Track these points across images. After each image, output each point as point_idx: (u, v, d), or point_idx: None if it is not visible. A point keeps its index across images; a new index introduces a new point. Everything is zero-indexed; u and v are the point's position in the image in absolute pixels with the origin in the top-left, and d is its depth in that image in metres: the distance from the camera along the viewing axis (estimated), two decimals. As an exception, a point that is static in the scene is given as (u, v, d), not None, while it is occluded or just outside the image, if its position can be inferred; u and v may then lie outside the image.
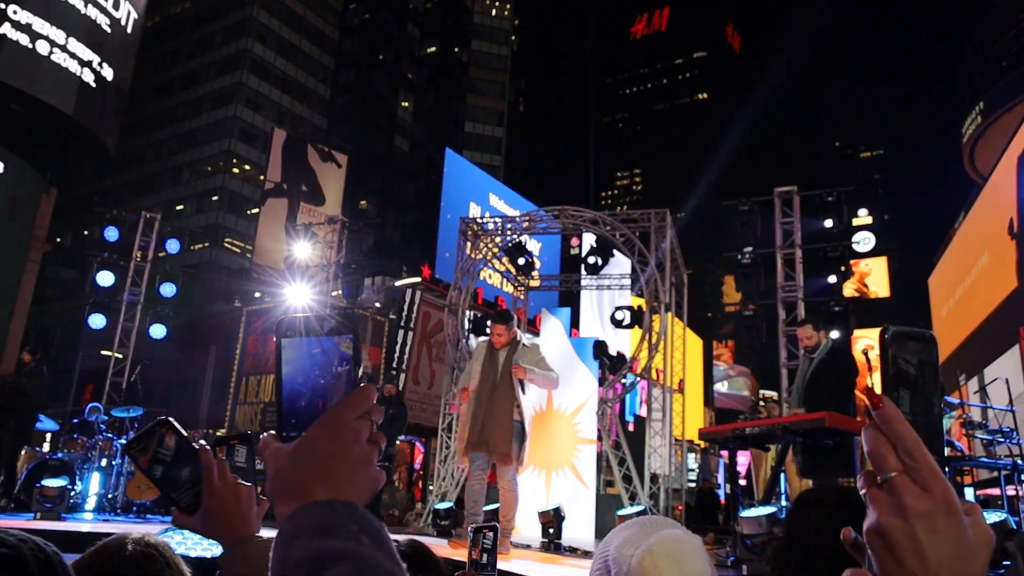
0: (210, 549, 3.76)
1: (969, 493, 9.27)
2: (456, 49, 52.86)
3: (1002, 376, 9.04)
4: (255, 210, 32.49)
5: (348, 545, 0.51)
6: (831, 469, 5.39)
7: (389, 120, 49.71)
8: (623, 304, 11.43)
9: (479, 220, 11.71)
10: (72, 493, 7.19)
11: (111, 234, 11.91)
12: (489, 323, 5.27)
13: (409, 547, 1.23)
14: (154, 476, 0.93)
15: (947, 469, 6.38)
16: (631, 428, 22.59)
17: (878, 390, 0.61)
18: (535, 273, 12.65)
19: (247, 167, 43.18)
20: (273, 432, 0.63)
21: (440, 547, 6.08)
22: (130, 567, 1.11)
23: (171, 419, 0.96)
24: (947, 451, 7.18)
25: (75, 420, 9.14)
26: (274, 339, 0.64)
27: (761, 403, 9.11)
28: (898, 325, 0.64)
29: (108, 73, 13.18)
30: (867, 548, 0.56)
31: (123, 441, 8.99)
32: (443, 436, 10.81)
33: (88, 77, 12.67)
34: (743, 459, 10.81)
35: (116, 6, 13.42)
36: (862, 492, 0.57)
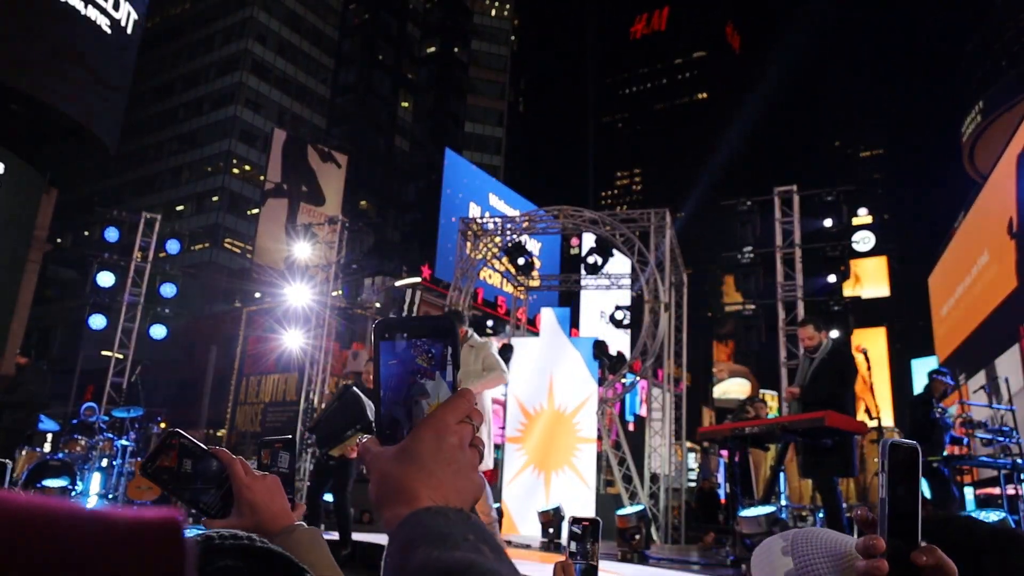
0: None
1: (969, 492, 9.28)
2: (456, 49, 52.86)
3: (1003, 376, 9.05)
4: (255, 210, 32.49)
5: (471, 556, 0.49)
6: (831, 468, 5.40)
7: (389, 120, 49.71)
8: (623, 304, 11.44)
9: (479, 220, 11.73)
10: (73, 493, 7.20)
11: (111, 235, 11.92)
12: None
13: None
14: (177, 491, 0.92)
15: (947, 469, 6.39)
16: (631, 428, 22.62)
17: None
18: (535, 273, 12.65)
19: (247, 167, 43.18)
20: (373, 437, 0.63)
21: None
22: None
23: (179, 430, 0.96)
24: (956, 449, 7.18)
25: (75, 420, 9.15)
26: (372, 339, 0.63)
27: (748, 404, 9.07)
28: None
29: (109, 74, 13.19)
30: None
31: (123, 441, 9.00)
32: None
33: (89, 78, 12.68)
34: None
35: (116, 7, 13.42)
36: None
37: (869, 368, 5.96)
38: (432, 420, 0.60)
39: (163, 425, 13.66)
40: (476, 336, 4.82)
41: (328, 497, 5.62)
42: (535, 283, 13.25)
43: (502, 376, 4.61)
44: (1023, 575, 0.81)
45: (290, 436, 1.12)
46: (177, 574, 0.30)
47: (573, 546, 1.51)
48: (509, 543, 7.37)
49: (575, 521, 1.52)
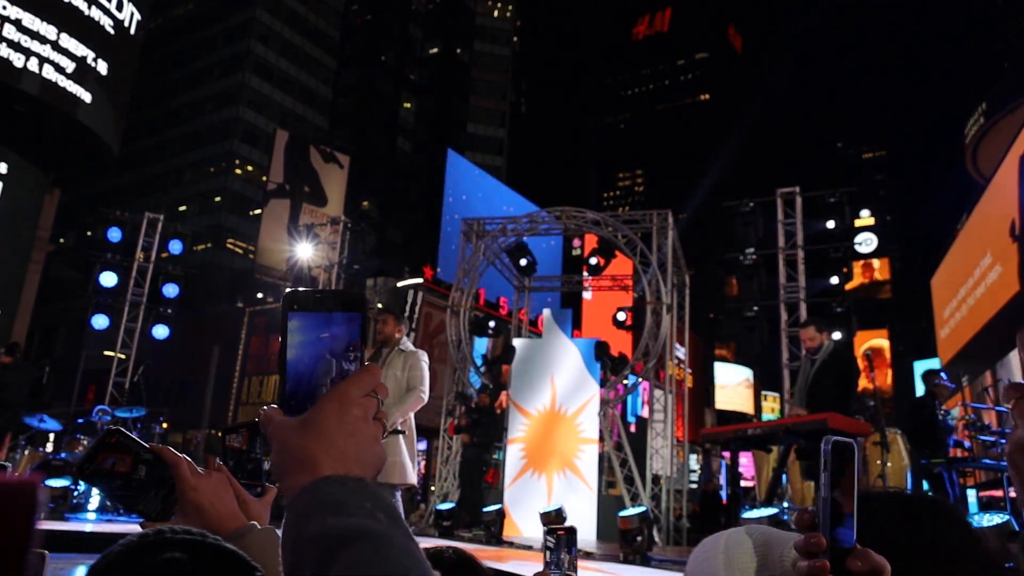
0: None
1: (972, 495, 9.26)
2: (458, 50, 52.89)
3: (1005, 378, 9.03)
4: (258, 211, 32.52)
5: (365, 523, 0.49)
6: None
7: (391, 121, 49.74)
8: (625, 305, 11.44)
9: (481, 221, 11.73)
10: (75, 493, 7.21)
11: (114, 235, 11.93)
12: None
13: (454, 555, 1.21)
14: (114, 493, 0.87)
15: (952, 471, 6.37)
16: (633, 429, 22.60)
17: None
18: (540, 278, 12.67)
19: (250, 168, 43.23)
20: (275, 406, 0.62)
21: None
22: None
23: (120, 428, 0.92)
24: (957, 452, 7.16)
25: (79, 420, 9.16)
26: (281, 309, 0.63)
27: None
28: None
29: (111, 74, 13.21)
30: (1010, 467, 0.58)
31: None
32: (444, 437, 10.81)
33: (91, 79, 12.71)
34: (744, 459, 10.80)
35: (119, 7, 13.45)
36: (1007, 406, 0.59)
37: (872, 370, 5.96)
38: (336, 392, 0.60)
39: (165, 426, 13.67)
40: (409, 343, 4.65)
41: None
42: (537, 284, 13.27)
43: (421, 398, 4.35)
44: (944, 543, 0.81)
45: (256, 420, 1.07)
46: (24, 537, 0.30)
47: (549, 555, 1.49)
48: (511, 544, 7.37)
49: (550, 531, 1.50)
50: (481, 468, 8.45)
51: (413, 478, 4.37)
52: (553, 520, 7.26)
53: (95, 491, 7.90)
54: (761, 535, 0.78)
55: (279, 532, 0.64)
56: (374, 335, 4.73)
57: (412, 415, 4.46)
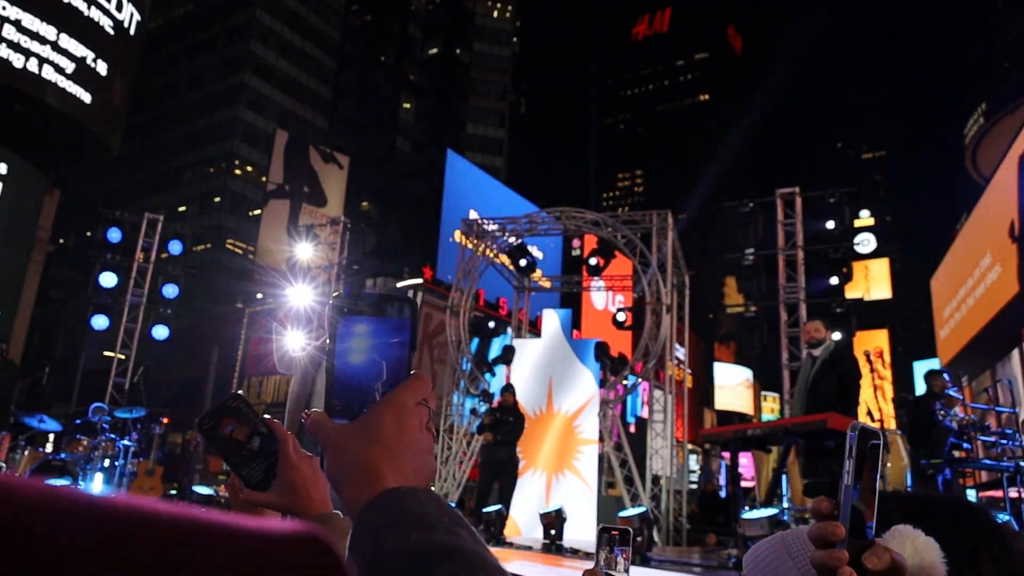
0: None
1: (972, 495, 9.25)
2: (458, 50, 52.89)
3: (1005, 378, 9.03)
4: (257, 211, 32.52)
5: (450, 539, 0.48)
6: (833, 470, 5.39)
7: (391, 121, 49.75)
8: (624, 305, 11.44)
9: (481, 221, 11.73)
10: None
11: (114, 235, 11.93)
12: None
13: None
14: (226, 455, 0.90)
15: (950, 470, 6.37)
16: (632, 429, 22.60)
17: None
18: (539, 271, 12.67)
19: (249, 168, 43.23)
20: (321, 411, 0.61)
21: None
22: None
23: (241, 394, 0.94)
24: (957, 453, 7.14)
25: (78, 421, 9.16)
26: (330, 314, 0.63)
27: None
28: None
29: (111, 75, 13.21)
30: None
31: (126, 442, 9.01)
32: (444, 437, 10.81)
33: (91, 79, 12.71)
34: (744, 460, 10.80)
35: (119, 8, 13.45)
36: None
37: (872, 371, 5.96)
38: (393, 399, 0.59)
39: (165, 421, 13.67)
40: None
41: None
42: (537, 284, 13.27)
43: None
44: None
45: (230, 402, 1.02)
46: None
47: (603, 556, 1.48)
48: (511, 545, 7.37)
49: (604, 529, 1.49)
50: (516, 468, 8.37)
51: None
52: (553, 520, 7.26)
53: (96, 492, 7.89)
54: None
55: None
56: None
57: None
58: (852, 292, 11.61)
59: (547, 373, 9.89)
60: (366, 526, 0.51)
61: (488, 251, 11.41)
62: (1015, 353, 12.15)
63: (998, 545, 0.78)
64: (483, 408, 9.83)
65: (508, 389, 8.45)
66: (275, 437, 0.91)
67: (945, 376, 7.30)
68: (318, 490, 0.91)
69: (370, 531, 0.50)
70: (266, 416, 0.93)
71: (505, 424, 8.05)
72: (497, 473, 8.17)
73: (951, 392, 7.02)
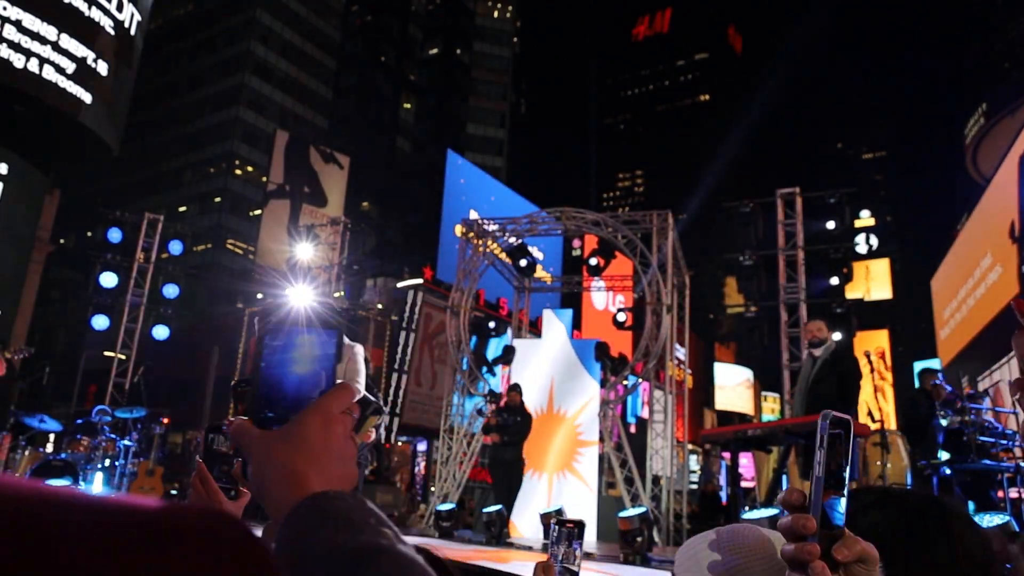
0: None
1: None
2: (458, 51, 52.89)
3: (1006, 379, 9.02)
4: (257, 211, 32.52)
5: (377, 540, 0.49)
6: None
7: (391, 121, 49.75)
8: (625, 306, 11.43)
9: (481, 222, 11.73)
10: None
11: (114, 235, 11.94)
12: None
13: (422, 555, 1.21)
14: (211, 463, 0.94)
15: (951, 471, 6.37)
16: (633, 430, 22.60)
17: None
18: (543, 272, 12.66)
19: (250, 168, 43.23)
20: (245, 418, 0.62)
21: (442, 549, 6.09)
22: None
23: (355, 388, 0.95)
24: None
25: (79, 421, 9.16)
26: (258, 324, 0.64)
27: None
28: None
29: (112, 75, 13.22)
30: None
31: (126, 442, 9.01)
32: (445, 437, 10.81)
33: (91, 80, 12.71)
34: (745, 460, 10.79)
35: (120, 8, 13.45)
36: (1015, 398, 0.58)
37: (873, 371, 5.96)
38: (319, 408, 0.60)
39: (166, 422, 13.66)
40: (345, 336, 4.66)
41: None
42: (537, 285, 13.27)
43: (356, 391, 4.41)
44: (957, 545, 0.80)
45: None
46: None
47: (556, 548, 1.49)
48: (511, 545, 7.37)
49: (560, 523, 1.50)
50: (522, 469, 8.19)
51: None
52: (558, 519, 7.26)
53: (96, 492, 7.89)
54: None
55: None
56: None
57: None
58: (852, 292, 11.61)
59: (547, 374, 9.88)
60: (292, 529, 0.52)
61: (488, 250, 11.41)
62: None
63: (952, 533, 0.80)
64: (487, 408, 9.71)
65: (514, 388, 8.37)
66: None
67: (939, 376, 7.30)
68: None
69: (297, 534, 0.51)
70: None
71: (512, 424, 8.00)
72: (508, 473, 8.09)
73: (941, 383, 7.02)
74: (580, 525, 1.49)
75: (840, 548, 0.58)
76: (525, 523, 9.04)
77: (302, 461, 0.57)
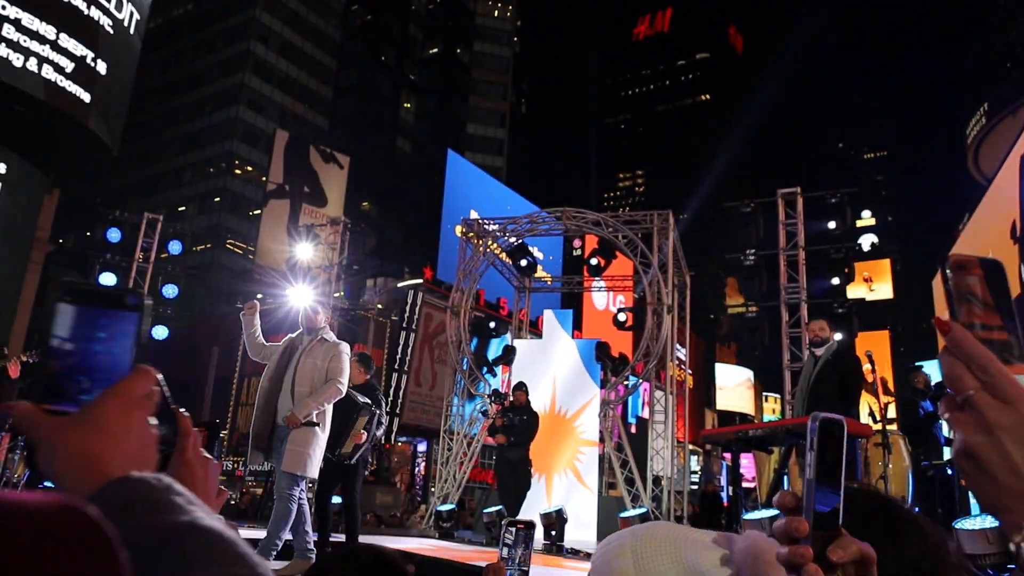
0: None
1: (973, 497, 9.23)
2: (458, 50, 52.87)
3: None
4: (257, 211, 32.51)
5: (186, 517, 0.49)
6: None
7: (391, 121, 49.73)
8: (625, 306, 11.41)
9: (481, 222, 11.70)
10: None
11: (114, 235, 11.91)
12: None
13: (368, 554, 1.18)
14: None
15: (952, 471, 6.34)
16: (633, 430, 22.57)
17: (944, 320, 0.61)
18: (543, 272, 12.63)
19: (249, 168, 43.22)
20: (29, 403, 0.58)
21: (443, 549, 6.06)
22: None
23: (155, 371, 0.91)
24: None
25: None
26: (51, 298, 0.59)
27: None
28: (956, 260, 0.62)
29: (111, 75, 13.19)
30: (960, 472, 0.56)
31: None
32: (444, 438, 10.78)
33: (91, 79, 12.68)
34: (746, 461, 10.76)
35: (119, 7, 13.43)
36: (944, 417, 0.57)
37: (874, 371, 5.94)
38: (119, 391, 0.58)
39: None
40: (332, 334, 4.66)
41: (336, 499, 5.58)
42: (537, 285, 13.24)
43: (339, 390, 4.42)
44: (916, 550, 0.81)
45: (217, 421, 1.06)
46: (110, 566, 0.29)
47: (507, 551, 1.46)
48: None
49: (511, 523, 1.48)
50: (529, 469, 7.97)
51: (314, 472, 4.39)
52: (553, 521, 7.23)
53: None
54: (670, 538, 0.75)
55: None
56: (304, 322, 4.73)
57: (330, 408, 4.51)
58: (854, 292, 11.58)
59: (548, 374, 9.86)
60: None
61: (489, 250, 11.38)
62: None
63: (916, 534, 0.83)
64: (488, 408, 9.60)
65: (520, 387, 8.22)
66: (178, 428, 0.86)
67: (925, 372, 7.27)
68: (206, 496, 0.85)
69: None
70: (182, 410, 0.90)
71: (519, 424, 7.87)
72: (515, 474, 7.91)
73: (921, 372, 6.99)
74: (530, 526, 1.47)
75: (835, 549, 0.57)
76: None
77: (100, 445, 0.55)
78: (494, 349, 11.40)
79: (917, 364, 7.70)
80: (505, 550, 1.47)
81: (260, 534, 4.42)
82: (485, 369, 10.56)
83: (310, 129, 43.98)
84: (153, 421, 0.88)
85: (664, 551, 0.74)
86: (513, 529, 1.47)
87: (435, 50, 52.97)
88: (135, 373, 0.60)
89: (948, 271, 0.60)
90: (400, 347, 22.25)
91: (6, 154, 12.55)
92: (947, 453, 6.78)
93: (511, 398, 8.25)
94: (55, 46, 12.08)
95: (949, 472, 6.56)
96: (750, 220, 10.64)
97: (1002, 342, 0.58)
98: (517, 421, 7.93)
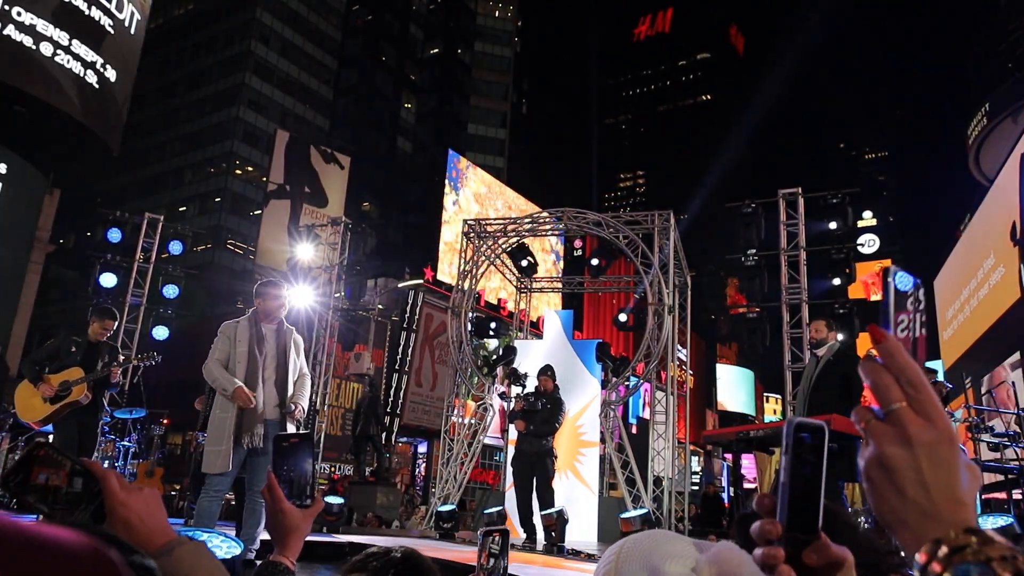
0: (231, 551, 3.72)
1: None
2: (459, 51, 52.87)
3: (1008, 380, 8.98)
4: (258, 211, 32.50)
5: None
6: (836, 473, 5.34)
7: (392, 121, 49.73)
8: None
9: (481, 222, 11.69)
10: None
11: (114, 235, 11.89)
12: (270, 289, 4.66)
13: (401, 554, 1.19)
14: (48, 505, 0.86)
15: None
16: (634, 431, 22.56)
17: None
18: (543, 272, 12.61)
19: (250, 168, 43.22)
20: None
21: (443, 550, 6.05)
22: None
23: (43, 440, 0.91)
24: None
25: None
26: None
27: None
28: None
29: (111, 75, 13.18)
30: (866, 481, 0.57)
31: (125, 443, 8.97)
32: (445, 438, 10.77)
33: (91, 79, 12.68)
34: (747, 462, 10.75)
35: (120, 8, 13.42)
36: (859, 427, 0.58)
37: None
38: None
39: (166, 423, 13.62)
40: (287, 324, 4.66)
41: (334, 499, 5.53)
42: (538, 285, 13.22)
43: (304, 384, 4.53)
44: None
45: (310, 432, 1.20)
46: None
47: (490, 562, 1.42)
48: (512, 546, 7.32)
49: (488, 533, 1.44)
50: (549, 464, 7.30)
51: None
52: (554, 522, 7.21)
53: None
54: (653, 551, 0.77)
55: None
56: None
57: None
58: (856, 293, 11.57)
59: (548, 374, 9.82)
60: None
61: (489, 250, 11.37)
62: (1018, 356, 12.08)
63: (852, 535, 0.86)
64: (504, 390, 9.07)
65: (545, 372, 7.56)
66: (95, 476, 0.88)
67: (934, 373, 7.25)
68: (154, 519, 0.88)
69: None
70: (81, 458, 0.90)
71: (542, 411, 7.24)
72: (533, 468, 7.33)
73: (940, 381, 6.97)
74: (505, 533, 1.45)
75: (809, 553, 0.58)
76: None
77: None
78: (494, 350, 11.36)
79: (930, 369, 7.67)
80: (492, 561, 1.43)
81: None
82: (485, 370, 10.54)
83: (310, 129, 43.98)
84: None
85: (639, 560, 0.76)
86: (498, 537, 1.44)
87: (436, 50, 52.96)
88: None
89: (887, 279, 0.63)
90: (401, 348, 22.25)
91: (6, 154, 12.54)
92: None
93: (537, 384, 7.58)
94: (56, 46, 12.08)
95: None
96: (751, 220, 10.62)
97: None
98: (540, 406, 7.28)
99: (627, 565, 0.77)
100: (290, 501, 1.10)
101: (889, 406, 0.56)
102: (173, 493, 13.20)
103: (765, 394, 39.06)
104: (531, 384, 8.05)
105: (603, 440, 9.88)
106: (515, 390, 8.29)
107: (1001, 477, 7.18)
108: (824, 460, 0.61)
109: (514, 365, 9.24)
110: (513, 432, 9.47)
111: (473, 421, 10.56)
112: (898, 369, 0.56)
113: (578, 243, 12.78)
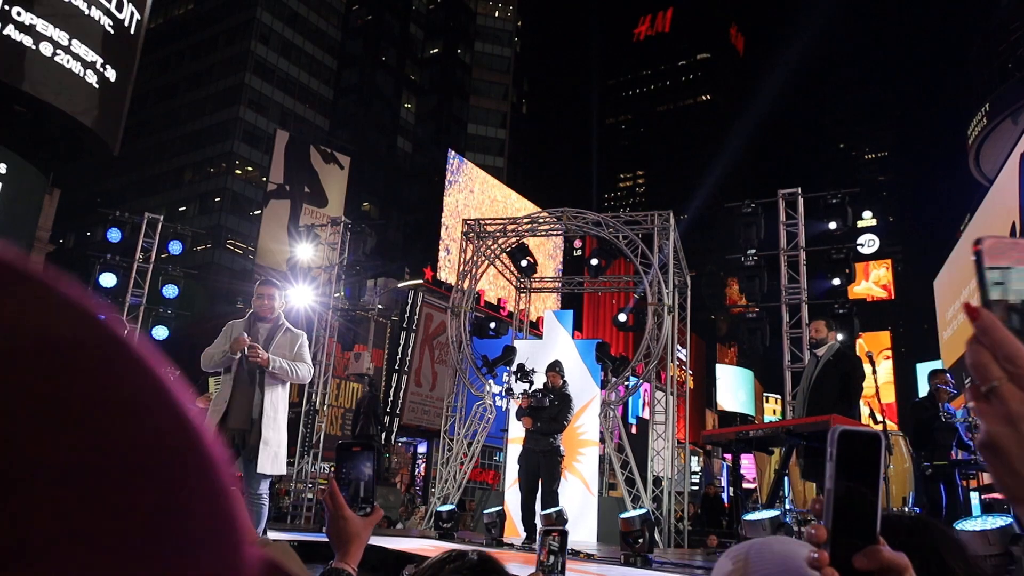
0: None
1: (975, 497, 9.20)
2: (459, 51, 52.85)
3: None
4: (258, 211, 32.50)
5: None
6: (820, 472, 5.34)
7: (392, 121, 49.72)
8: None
9: (481, 222, 11.69)
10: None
11: (114, 235, 11.89)
12: (258, 288, 4.71)
13: (478, 557, 1.21)
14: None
15: (957, 473, 6.32)
16: (634, 430, 22.55)
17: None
18: (543, 272, 12.61)
19: (250, 168, 43.21)
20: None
21: (442, 550, 6.04)
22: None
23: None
24: (961, 453, 7.10)
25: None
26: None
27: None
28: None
29: (111, 75, 13.18)
30: (985, 461, 0.56)
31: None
32: (445, 438, 10.77)
33: (92, 79, 12.67)
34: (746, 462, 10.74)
35: (120, 7, 13.41)
36: (970, 406, 0.58)
37: (874, 372, 5.91)
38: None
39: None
40: (290, 325, 4.67)
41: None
42: (537, 285, 13.22)
43: (306, 375, 4.53)
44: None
45: (372, 437, 1.37)
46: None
47: (550, 559, 1.44)
48: (512, 546, 7.32)
49: (548, 532, 1.46)
50: (556, 463, 7.14)
51: (284, 468, 4.59)
52: (553, 522, 7.21)
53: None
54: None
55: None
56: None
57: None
58: (860, 291, 11.56)
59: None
60: None
61: (489, 250, 11.37)
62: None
63: (958, 551, 0.89)
64: (511, 386, 8.96)
65: (554, 367, 7.42)
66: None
67: (948, 375, 7.25)
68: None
69: None
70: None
71: (550, 408, 7.09)
72: (539, 467, 7.18)
73: (946, 387, 6.97)
74: (564, 534, 1.47)
75: (859, 557, 0.58)
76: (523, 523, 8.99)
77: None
78: (494, 349, 11.34)
79: (941, 370, 7.66)
80: (551, 558, 1.45)
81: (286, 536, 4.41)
82: (485, 370, 10.54)
83: (310, 129, 43.97)
84: None
85: (771, 563, 0.77)
86: (557, 536, 1.45)
87: (436, 50, 52.95)
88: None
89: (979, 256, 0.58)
90: (400, 347, 22.25)
91: (6, 154, 12.53)
92: (961, 453, 6.75)
93: (545, 380, 7.45)
94: (55, 46, 12.07)
95: (957, 477, 6.55)
96: (751, 220, 10.61)
97: None
98: (548, 403, 7.13)
99: (760, 567, 0.77)
100: (350, 508, 1.14)
101: (990, 384, 0.54)
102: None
103: (765, 394, 39.06)
104: (539, 380, 7.99)
105: (603, 440, 9.89)
106: (521, 386, 8.15)
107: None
108: (879, 468, 0.61)
109: (522, 364, 9.10)
110: (513, 431, 9.46)
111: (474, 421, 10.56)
112: (994, 345, 0.54)
113: (578, 243, 12.79)
